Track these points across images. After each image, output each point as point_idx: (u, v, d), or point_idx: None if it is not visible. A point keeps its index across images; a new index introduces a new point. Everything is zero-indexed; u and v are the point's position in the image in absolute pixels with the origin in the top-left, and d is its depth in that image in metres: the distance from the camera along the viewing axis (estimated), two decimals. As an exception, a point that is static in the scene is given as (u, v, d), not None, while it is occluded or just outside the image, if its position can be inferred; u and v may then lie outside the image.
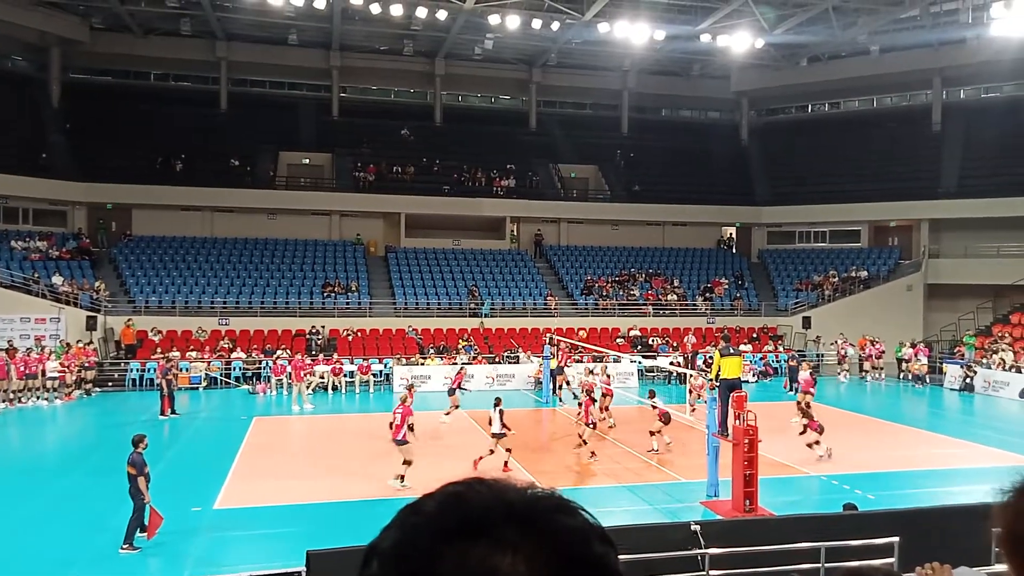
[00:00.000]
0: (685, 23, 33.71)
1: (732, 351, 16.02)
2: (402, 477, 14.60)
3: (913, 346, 30.57)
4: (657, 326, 33.58)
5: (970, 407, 26.28)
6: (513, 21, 32.23)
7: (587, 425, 17.56)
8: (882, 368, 30.89)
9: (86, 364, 25.67)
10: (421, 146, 39.17)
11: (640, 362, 28.38)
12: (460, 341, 30.71)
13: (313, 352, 28.67)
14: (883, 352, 31.04)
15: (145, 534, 11.56)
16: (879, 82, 39.79)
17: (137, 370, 27.04)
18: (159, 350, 27.19)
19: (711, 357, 18.16)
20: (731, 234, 41.06)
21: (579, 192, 40.46)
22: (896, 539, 8.57)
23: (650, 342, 32.15)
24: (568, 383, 24.56)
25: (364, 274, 34.04)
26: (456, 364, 28.46)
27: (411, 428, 14.90)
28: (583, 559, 0.78)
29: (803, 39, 36.24)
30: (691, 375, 22.56)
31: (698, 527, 9.34)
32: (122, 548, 11.36)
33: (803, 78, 40.92)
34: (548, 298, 34.06)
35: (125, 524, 11.48)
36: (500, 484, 0.83)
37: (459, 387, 21.69)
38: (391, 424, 15.26)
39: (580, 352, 29.37)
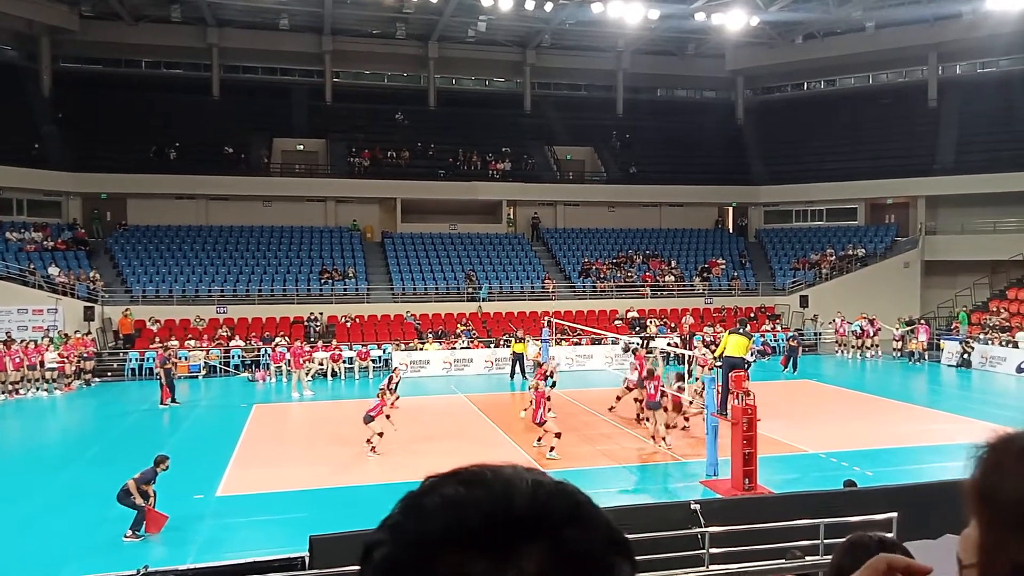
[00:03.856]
0: (679, 1, 33.46)
1: (742, 331, 15.98)
2: (552, 448, 15.74)
3: (910, 324, 30.60)
4: (655, 307, 33.61)
5: (967, 383, 26.40)
6: (506, 2, 31.98)
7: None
8: (878, 346, 30.97)
9: (85, 355, 25.66)
10: (416, 130, 38.95)
11: (638, 344, 28.40)
12: (458, 326, 30.73)
13: (312, 339, 28.68)
14: (879, 329, 31.10)
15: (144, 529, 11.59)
16: (875, 59, 39.60)
17: (136, 360, 27.05)
18: (157, 339, 27.17)
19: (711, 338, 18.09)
20: (740, 221, 40.98)
21: (575, 174, 40.35)
22: (894, 515, 8.63)
23: (647, 323, 32.16)
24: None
25: (361, 260, 33.99)
26: (454, 348, 28.55)
27: (550, 410, 16.29)
28: None
29: (798, 16, 36.04)
30: (704, 354, 21.43)
31: (698, 506, 9.41)
32: (125, 536, 11.43)
33: (798, 56, 40.69)
34: (545, 281, 34.05)
35: (126, 513, 11.53)
36: (505, 481, 0.75)
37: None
38: (530, 402, 16.69)
39: (579, 334, 29.42)
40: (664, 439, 16.13)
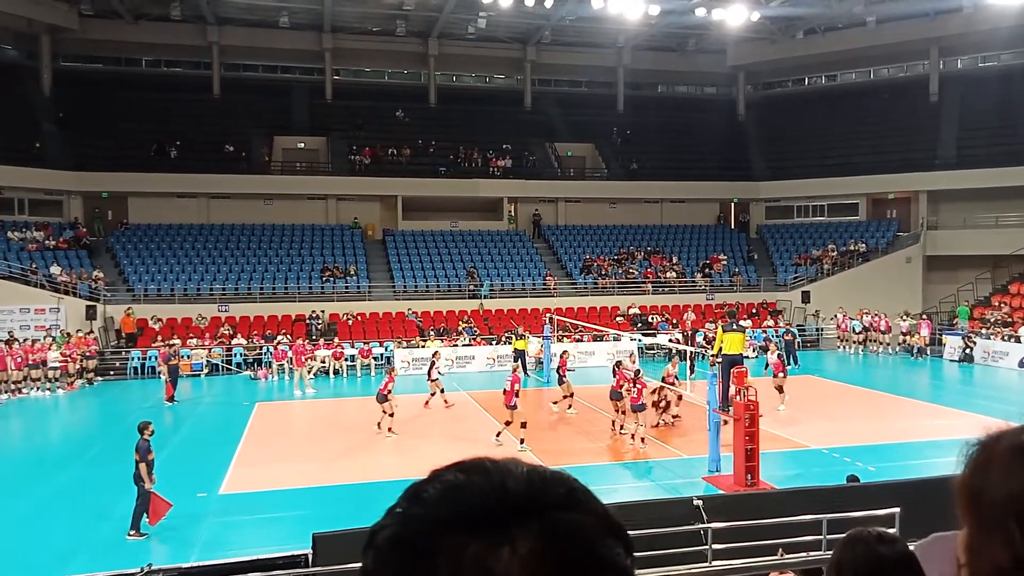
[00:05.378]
0: (680, -3, 33.40)
1: (736, 327, 15.98)
2: (522, 440, 15.85)
3: (909, 316, 30.58)
4: (656, 304, 33.60)
5: (970, 378, 26.38)
6: (506, -1, 31.92)
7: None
8: (888, 343, 30.90)
9: (87, 353, 25.69)
10: (416, 128, 38.94)
11: (640, 340, 28.44)
12: (460, 323, 30.74)
13: (314, 337, 28.70)
14: (889, 326, 31.06)
15: (148, 519, 11.63)
16: (876, 53, 39.49)
17: (138, 358, 27.08)
18: (160, 338, 27.22)
19: (713, 334, 18.06)
20: (741, 217, 40.92)
21: (576, 171, 40.31)
22: (897, 510, 8.63)
23: (649, 320, 32.18)
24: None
25: (362, 258, 34.00)
26: (456, 345, 28.54)
27: (517, 394, 16.38)
28: (586, 560, 0.73)
29: (799, 11, 35.97)
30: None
31: (700, 502, 9.43)
32: (129, 534, 11.45)
33: (799, 51, 40.62)
34: (547, 278, 34.04)
35: (130, 511, 11.56)
36: (503, 470, 0.77)
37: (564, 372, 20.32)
38: (504, 391, 16.51)
39: (580, 331, 29.42)
40: (643, 439, 16.01)
